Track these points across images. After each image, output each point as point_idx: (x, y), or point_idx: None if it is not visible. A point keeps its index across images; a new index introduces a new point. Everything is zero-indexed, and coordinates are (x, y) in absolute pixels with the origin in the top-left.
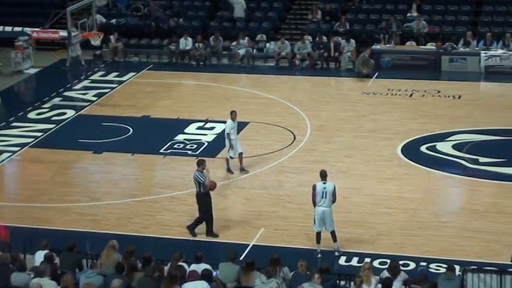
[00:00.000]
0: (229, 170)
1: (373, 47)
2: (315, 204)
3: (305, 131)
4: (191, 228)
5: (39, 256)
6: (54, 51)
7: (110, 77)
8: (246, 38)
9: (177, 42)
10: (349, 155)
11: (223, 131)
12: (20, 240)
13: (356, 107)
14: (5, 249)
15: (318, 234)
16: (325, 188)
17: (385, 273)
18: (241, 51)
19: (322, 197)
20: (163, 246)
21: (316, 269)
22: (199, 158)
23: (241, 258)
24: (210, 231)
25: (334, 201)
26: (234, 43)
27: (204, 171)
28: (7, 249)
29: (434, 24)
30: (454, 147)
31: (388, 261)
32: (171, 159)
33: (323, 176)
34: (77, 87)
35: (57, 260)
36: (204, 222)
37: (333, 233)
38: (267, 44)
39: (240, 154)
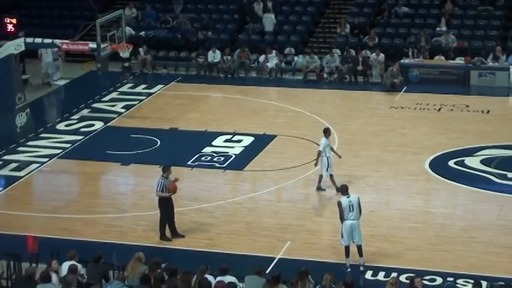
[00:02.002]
0: (319, 188)
1: (402, 61)
2: (342, 219)
3: (333, 144)
4: (162, 236)
5: (66, 267)
6: (83, 63)
7: (139, 89)
8: (274, 51)
9: (205, 54)
10: (377, 169)
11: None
12: (48, 251)
13: (384, 121)
14: (32, 259)
15: (347, 248)
16: (350, 201)
17: None
18: (270, 64)
19: (350, 211)
20: (190, 258)
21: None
22: (164, 165)
23: (267, 272)
24: (163, 235)
25: (360, 213)
26: (261, 57)
27: (169, 177)
28: (35, 260)
29: (464, 38)
30: (483, 162)
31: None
32: (198, 171)
33: (345, 190)
34: (106, 99)
35: (83, 271)
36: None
37: (359, 248)
38: (295, 58)
39: (331, 176)
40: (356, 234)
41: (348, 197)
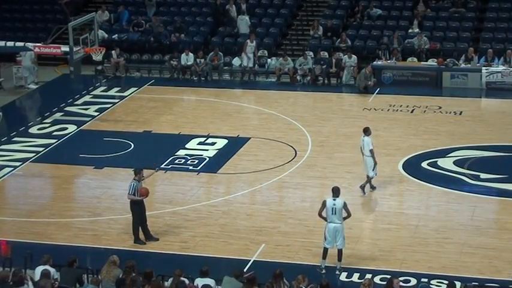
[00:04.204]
0: (372, 187)
1: (375, 63)
2: (320, 216)
3: (306, 146)
4: (136, 240)
5: (40, 271)
6: (56, 67)
7: (112, 92)
8: (254, 41)
9: (178, 57)
10: (350, 171)
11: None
12: (21, 255)
13: (357, 123)
14: (5, 264)
15: (327, 250)
16: (334, 204)
17: None
18: (245, 63)
19: (332, 213)
20: (164, 261)
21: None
22: (136, 168)
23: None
24: (137, 239)
25: (349, 216)
26: (235, 59)
27: (141, 181)
28: (8, 264)
29: (436, 40)
30: (456, 163)
31: (389, 277)
32: (172, 174)
33: (335, 192)
34: (79, 102)
35: (57, 275)
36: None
37: (340, 252)
38: (269, 60)
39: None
40: (339, 238)
41: (334, 200)
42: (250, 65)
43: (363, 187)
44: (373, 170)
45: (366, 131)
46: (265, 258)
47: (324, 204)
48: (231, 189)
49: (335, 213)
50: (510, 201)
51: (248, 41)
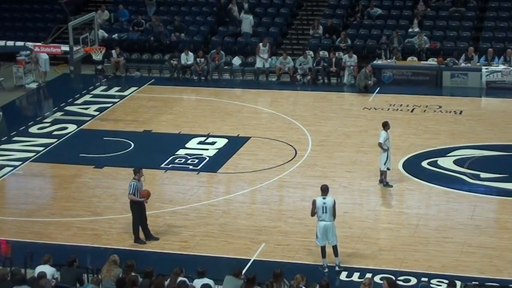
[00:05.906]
0: (386, 184)
1: (375, 62)
2: (313, 215)
3: (306, 146)
4: (136, 239)
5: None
6: (56, 66)
7: (112, 92)
8: (268, 44)
9: (178, 57)
10: (350, 170)
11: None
12: (21, 255)
13: (357, 122)
14: (6, 263)
15: (323, 248)
16: (324, 203)
17: None
18: (259, 65)
19: (323, 212)
20: (165, 261)
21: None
22: (135, 167)
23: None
24: (137, 238)
25: (334, 217)
26: (235, 59)
27: (141, 179)
28: (8, 264)
29: (436, 39)
30: (456, 162)
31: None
32: (172, 174)
33: (324, 190)
34: (79, 101)
35: (57, 275)
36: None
37: (335, 248)
38: (269, 59)
39: (387, 170)
40: (330, 235)
41: (323, 198)
42: (266, 65)
43: (384, 182)
44: (384, 164)
45: (385, 126)
46: (265, 258)
47: (314, 203)
48: (231, 188)
49: (326, 212)
50: (510, 200)
51: (261, 44)
